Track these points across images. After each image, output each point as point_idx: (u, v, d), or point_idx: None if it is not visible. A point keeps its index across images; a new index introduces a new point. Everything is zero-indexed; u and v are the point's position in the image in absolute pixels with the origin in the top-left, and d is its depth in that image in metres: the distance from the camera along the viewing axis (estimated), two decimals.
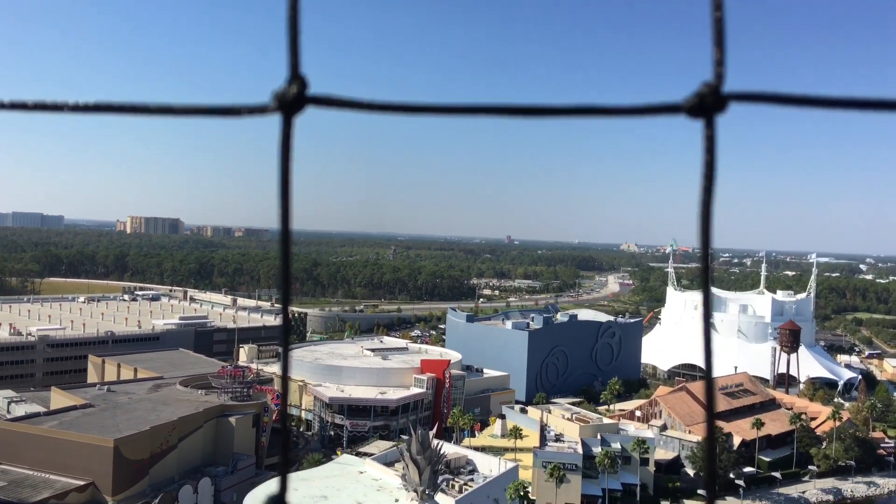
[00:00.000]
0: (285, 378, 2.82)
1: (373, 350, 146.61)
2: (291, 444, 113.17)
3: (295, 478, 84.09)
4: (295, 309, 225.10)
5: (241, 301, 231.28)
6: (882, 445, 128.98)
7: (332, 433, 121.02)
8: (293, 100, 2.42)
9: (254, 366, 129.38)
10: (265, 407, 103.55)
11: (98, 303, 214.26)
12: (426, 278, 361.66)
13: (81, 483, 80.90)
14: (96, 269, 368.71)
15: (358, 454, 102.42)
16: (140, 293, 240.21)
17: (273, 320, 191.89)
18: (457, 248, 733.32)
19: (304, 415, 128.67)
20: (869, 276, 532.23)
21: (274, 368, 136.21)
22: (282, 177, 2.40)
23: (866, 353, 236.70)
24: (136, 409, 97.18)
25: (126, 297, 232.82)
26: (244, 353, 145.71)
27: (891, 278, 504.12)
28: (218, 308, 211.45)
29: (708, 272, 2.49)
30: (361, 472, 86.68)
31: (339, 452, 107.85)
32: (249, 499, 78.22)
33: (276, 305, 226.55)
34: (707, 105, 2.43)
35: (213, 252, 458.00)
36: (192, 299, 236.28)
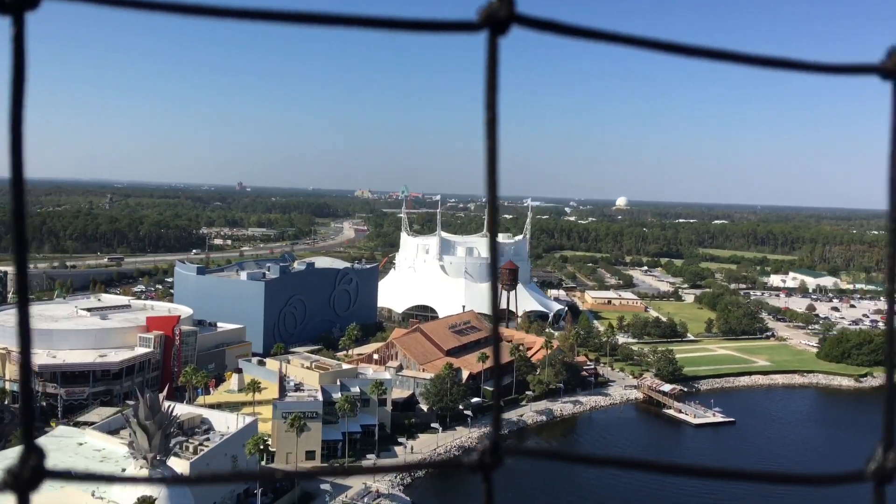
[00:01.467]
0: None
1: (89, 309, 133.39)
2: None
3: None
4: None
5: None
6: (584, 368, 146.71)
7: (45, 404, 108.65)
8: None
9: None
10: None
11: None
12: (149, 229, 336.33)
13: None
14: None
15: (76, 424, 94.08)
16: None
17: None
18: (183, 196, 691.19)
19: (9, 386, 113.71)
20: (572, 218, 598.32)
21: None
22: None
23: (564, 286, 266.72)
24: None
25: None
26: None
27: (590, 219, 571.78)
28: None
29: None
30: (81, 444, 79.21)
31: (53, 424, 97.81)
32: None
33: None
34: (10, 2, 2.02)
35: None
36: None
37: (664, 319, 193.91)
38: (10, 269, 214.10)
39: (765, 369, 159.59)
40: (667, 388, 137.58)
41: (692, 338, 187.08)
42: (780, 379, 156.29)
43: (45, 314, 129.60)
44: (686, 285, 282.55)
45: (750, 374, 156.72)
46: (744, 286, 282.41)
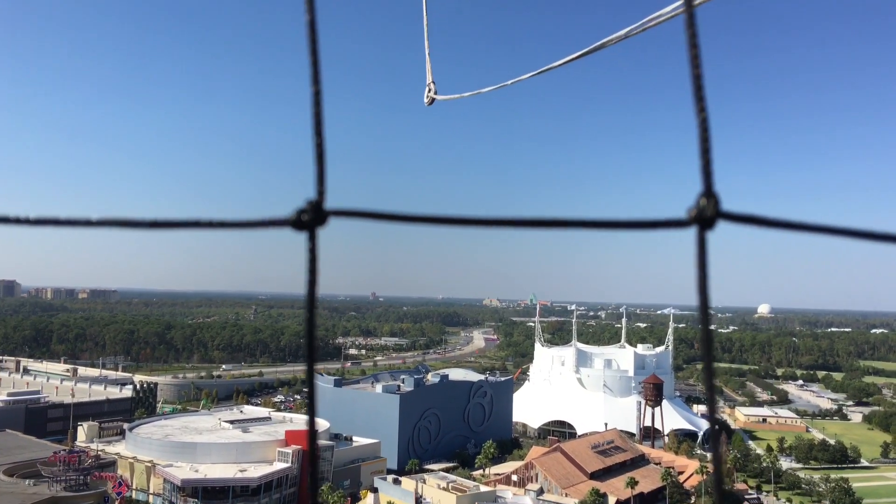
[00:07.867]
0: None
1: (231, 422, 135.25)
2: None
3: None
4: (143, 378, 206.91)
5: (82, 371, 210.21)
6: (746, 497, 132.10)
7: None
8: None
9: (94, 446, 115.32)
10: (105, 497, 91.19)
11: None
12: (290, 339, 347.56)
13: None
14: None
15: None
16: None
17: (118, 392, 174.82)
18: (321, 306, 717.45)
19: (152, 500, 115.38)
20: (712, 326, 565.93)
21: (118, 448, 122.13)
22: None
23: (721, 402, 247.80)
24: None
25: None
26: (83, 433, 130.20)
27: (731, 328, 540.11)
28: (55, 380, 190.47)
29: None
30: None
31: None
32: None
33: (122, 374, 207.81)
34: (307, 221, 2.32)
35: (53, 316, 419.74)
36: (26, 370, 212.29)
37: (832, 442, 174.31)
38: (161, 378, 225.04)
39: None
40: None
41: (867, 464, 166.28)
42: None
43: (190, 426, 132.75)
44: (850, 402, 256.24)
45: None
46: None
